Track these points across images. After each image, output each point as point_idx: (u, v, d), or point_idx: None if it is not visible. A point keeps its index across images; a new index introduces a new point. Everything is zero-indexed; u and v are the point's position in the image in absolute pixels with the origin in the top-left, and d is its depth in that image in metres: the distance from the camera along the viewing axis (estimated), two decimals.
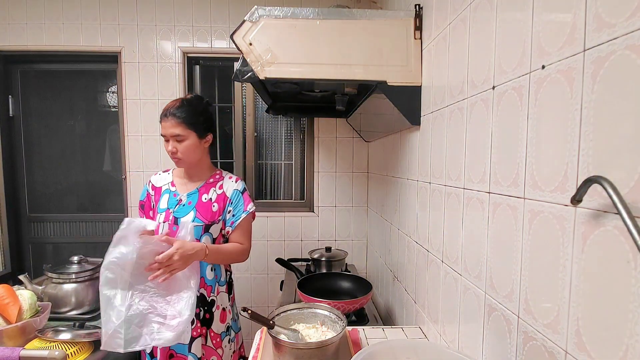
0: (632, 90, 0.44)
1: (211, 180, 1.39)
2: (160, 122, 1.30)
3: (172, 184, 1.38)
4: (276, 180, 2.44)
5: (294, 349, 0.94)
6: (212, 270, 1.35)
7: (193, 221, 1.29)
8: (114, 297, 1.09)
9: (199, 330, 1.31)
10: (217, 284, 1.36)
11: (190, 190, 1.36)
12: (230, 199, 1.36)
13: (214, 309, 1.35)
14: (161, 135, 1.31)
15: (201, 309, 1.31)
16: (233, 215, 1.36)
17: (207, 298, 1.33)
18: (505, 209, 0.71)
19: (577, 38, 0.53)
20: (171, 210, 1.32)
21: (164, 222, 1.30)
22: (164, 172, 1.45)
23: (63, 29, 2.14)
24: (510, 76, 0.70)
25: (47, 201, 2.35)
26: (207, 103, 1.39)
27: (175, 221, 1.30)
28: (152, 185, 1.41)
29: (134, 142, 2.22)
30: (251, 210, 1.38)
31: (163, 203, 1.34)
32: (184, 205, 1.33)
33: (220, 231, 1.37)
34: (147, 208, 1.41)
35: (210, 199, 1.34)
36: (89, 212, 2.35)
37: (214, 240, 1.34)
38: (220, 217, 1.35)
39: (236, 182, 1.39)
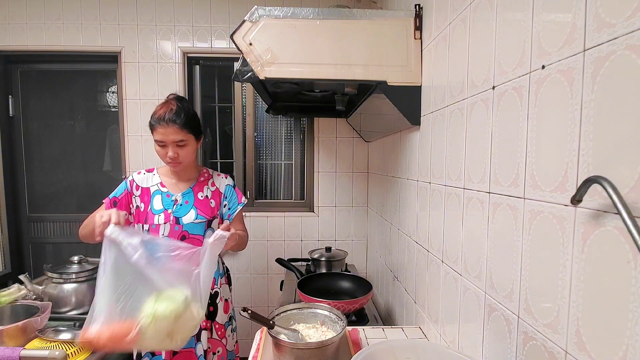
0: (632, 90, 0.44)
1: (202, 178, 1.42)
2: (156, 128, 1.24)
3: (162, 185, 1.37)
4: (276, 180, 2.44)
5: (294, 349, 0.94)
6: None
7: (196, 219, 1.33)
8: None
9: (204, 324, 1.32)
10: (218, 276, 1.40)
11: (184, 190, 1.37)
12: (225, 194, 1.43)
13: (217, 301, 1.38)
14: (157, 141, 1.26)
15: None
16: (229, 209, 1.43)
17: (211, 291, 1.34)
18: (505, 209, 0.71)
19: (577, 38, 0.53)
20: (170, 210, 1.32)
21: (164, 223, 1.31)
22: (147, 171, 1.41)
23: (63, 29, 2.14)
24: (510, 76, 0.70)
25: (47, 201, 2.35)
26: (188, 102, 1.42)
27: (177, 221, 1.31)
28: (136, 185, 1.36)
29: (134, 142, 2.22)
30: (245, 202, 1.47)
31: (157, 204, 1.33)
32: (181, 205, 1.34)
33: (218, 226, 1.38)
34: (121, 207, 1.34)
35: (207, 196, 1.39)
36: (89, 212, 2.31)
37: None
38: (217, 212, 1.41)
39: (226, 178, 1.47)
